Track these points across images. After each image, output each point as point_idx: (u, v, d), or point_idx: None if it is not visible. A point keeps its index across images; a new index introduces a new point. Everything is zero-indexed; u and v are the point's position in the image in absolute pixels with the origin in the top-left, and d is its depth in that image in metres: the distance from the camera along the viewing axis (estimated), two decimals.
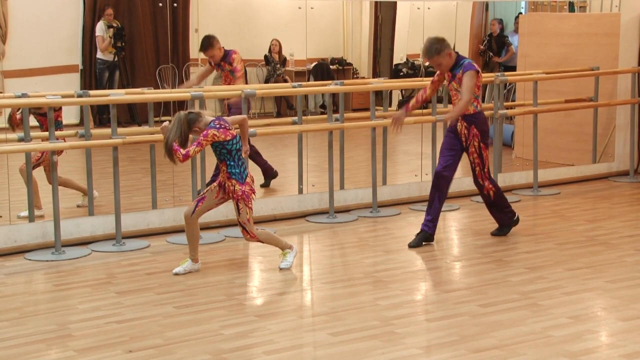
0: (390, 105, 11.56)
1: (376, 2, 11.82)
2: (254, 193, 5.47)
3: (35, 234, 6.09)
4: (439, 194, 6.15)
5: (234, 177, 5.37)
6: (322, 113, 10.95)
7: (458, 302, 4.94)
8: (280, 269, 5.54)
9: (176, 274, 5.46)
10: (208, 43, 7.38)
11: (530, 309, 4.78)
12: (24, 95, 6.41)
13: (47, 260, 5.82)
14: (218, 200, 5.49)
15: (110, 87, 9.62)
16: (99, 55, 9.65)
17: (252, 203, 5.45)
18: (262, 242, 5.56)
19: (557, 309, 4.78)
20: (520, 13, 11.02)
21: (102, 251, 6.06)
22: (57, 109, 6.42)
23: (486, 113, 8.68)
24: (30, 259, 5.86)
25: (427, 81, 8.24)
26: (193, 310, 4.83)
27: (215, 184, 5.51)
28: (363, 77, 11.02)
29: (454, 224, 7.04)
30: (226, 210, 6.80)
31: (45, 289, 5.35)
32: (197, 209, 5.45)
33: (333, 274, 5.52)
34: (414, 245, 6.07)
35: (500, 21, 11.33)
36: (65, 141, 6.37)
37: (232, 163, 5.37)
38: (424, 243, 6.12)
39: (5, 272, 5.60)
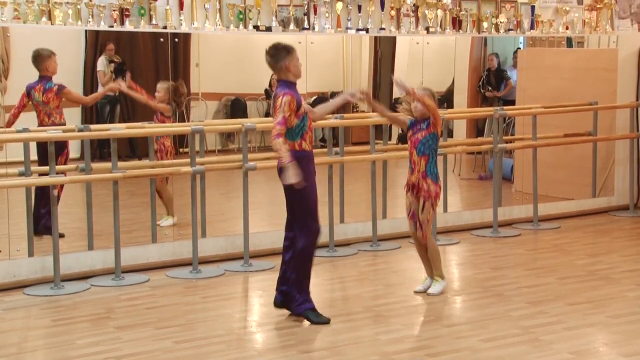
0: (390, 139, 11.57)
1: (376, 37, 11.89)
2: (439, 198, 5.61)
3: (34, 269, 6.07)
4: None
5: (430, 176, 5.52)
6: (322, 146, 10.97)
7: (459, 336, 4.91)
8: (428, 293, 5.65)
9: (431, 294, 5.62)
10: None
11: (532, 344, 4.75)
12: (25, 130, 6.43)
13: (46, 295, 5.80)
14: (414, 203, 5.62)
15: (111, 121, 9.65)
16: (100, 89, 9.70)
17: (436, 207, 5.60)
18: (428, 250, 5.63)
19: (558, 344, 4.76)
20: (519, 48, 11.10)
21: (102, 286, 6.04)
22: None
23: (485, 147, 8.74)
24: (29, 294, 5.83)
25: None
26: (192, 345, 4.80)
27: (405, 191, 5.62)
28: (363, 111, 11.05)
29: (455, 257, 7.03)
30: (225, 244, 6.79)
31: (44, 324, 5.32)
32: (420, 224, 5.56)
33: (333, 308, 5.49)
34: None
35: (497, 55, 11.41)
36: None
37: (433, 160, 5.53)
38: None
39: (4, 308, 5.57)
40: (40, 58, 6.99)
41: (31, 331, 5.21)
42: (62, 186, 6.74)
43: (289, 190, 5.10)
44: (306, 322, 5.23)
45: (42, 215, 6.83)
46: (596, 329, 5.04)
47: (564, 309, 5.42)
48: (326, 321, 5.13)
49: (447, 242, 7.35)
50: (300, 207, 5.13)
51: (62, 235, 6.68)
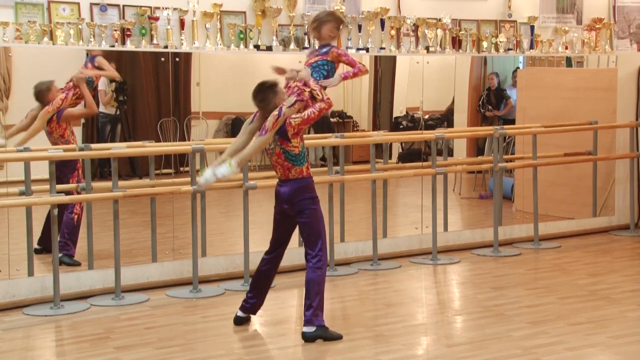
0: (390, 157, 11.59)
1: (376, 56, 11.95)
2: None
3: (34, 289, 6.06)
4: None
5: None
6: (322, 165, 10.98)
7: (460, 357, 4.89)
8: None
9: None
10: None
11: None
12: (25, 150, 6.44)
13: (46, 315, 5.78)
14: None
15: (112, 140, 9.67)
16: (101, 108, 9.72)
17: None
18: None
19: None
20: (518, 67, 11.13)
21: (101, 305, 6.02)
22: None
23: (486, 166, 8.75)
24: (28, 314, 5.82)
25: (427, 134, 8.31)
26: None
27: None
28: (363, 130, 11.07)
29: (455, 277, 7.01)
30: (226, 263, 6.78)
31: (43, 345, 5.30)
32: None
33: (333, 328, 5.46)
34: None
35: (497, 75, 11.44)
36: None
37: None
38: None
39: (3, 328, 5.55)
40: (41, 94, 6.97)
41: (30, 351, 5.19)
42: (81, 208, 6.73)
43: (310, 216, 5.28)
44: (307, 343, 5.20)
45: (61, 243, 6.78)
46: (597, 350, 5.02)
47: (565, 329, 5.40)
48: (339, 336, 5.21)
49: (447, 261, 7.34)
50: (316, 231, 5.27)
51: (79, 264, 6.69)
